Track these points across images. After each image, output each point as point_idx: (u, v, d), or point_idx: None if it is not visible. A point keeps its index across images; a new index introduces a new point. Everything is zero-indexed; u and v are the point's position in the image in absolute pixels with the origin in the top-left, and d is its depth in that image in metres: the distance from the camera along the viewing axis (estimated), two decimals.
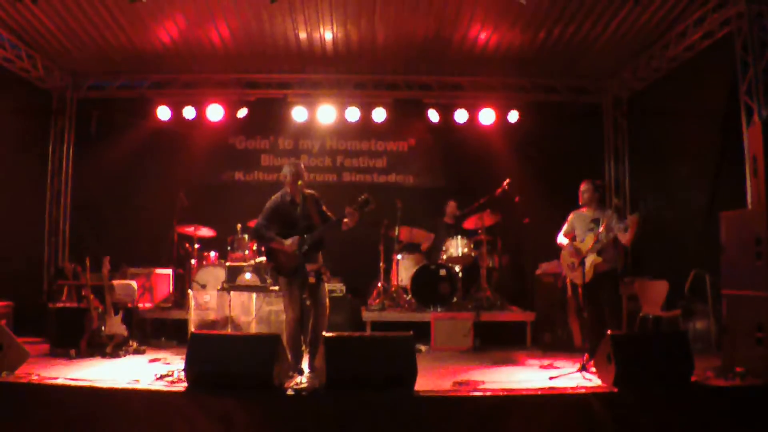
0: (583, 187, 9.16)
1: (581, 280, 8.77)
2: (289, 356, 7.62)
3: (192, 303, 10.93)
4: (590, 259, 8.74)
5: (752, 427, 6.78)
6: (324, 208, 8.36)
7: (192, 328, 10.64)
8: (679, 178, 11.77)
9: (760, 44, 9.24)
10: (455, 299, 11.53)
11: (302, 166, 8.35)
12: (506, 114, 13.62)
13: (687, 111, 11.44)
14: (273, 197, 8.38)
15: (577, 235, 9.07)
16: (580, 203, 9.20)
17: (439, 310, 11.26)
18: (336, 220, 8.07)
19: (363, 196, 7.99)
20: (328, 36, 11.69)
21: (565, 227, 9.34)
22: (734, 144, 9.58)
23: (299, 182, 8.12)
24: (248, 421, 6.40)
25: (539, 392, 6.95)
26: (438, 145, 14.28)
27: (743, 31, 9.43)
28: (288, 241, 8.00)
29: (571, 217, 9.32)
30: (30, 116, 12.93)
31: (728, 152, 10.11)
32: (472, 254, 11.91)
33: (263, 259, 10.58)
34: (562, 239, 9.32)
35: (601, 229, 8.75)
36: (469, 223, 12.20)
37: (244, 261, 11.28)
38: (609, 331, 7.33)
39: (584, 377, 7.75)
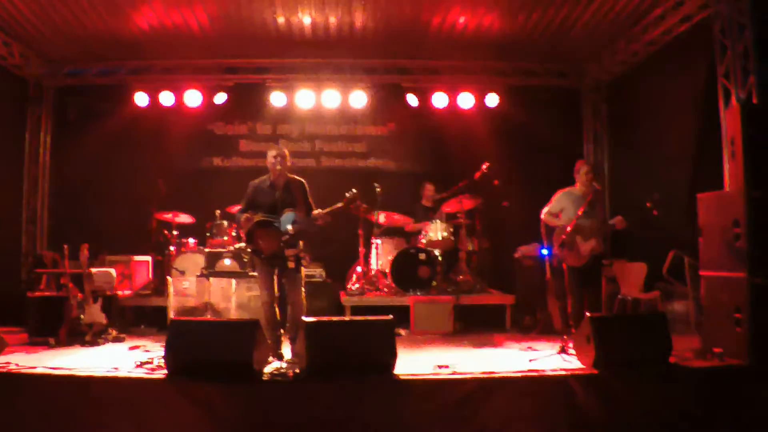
0: (584, 168, 9.18)
1: (577, 262, 8.89)
2: (268, 340, 7.62)
3: (171, 290, 10.90)
4: (590, 244, 8.86)
5: (731, 407, 6.85)
6: (309, 195, 8.37)
7: (171, 315, 10.61)
8: (658, 161, 11.80)
9: (737, 27, 9.25)
10: (435, 283, 11.53)
11: (286, 151, 8.36)
12: (485, 98, 13.65)
13: (666, 94, 11.50)
14: (252, 182, 8.41)
15: (567, 215, 9.08)
16: (578, 182, 9.22)
17: (418, 293, 11.28)
18: (312, 217, 8.11)
19: (351, 193, 8.12)
20: (307, 20, 11.64)
21: (551, 206, 9.33)
22: (713, 127, 9.62)
23: (279, 167, 8.14)
24: (229, 407, 6.40)
25: (519, 375, 6.99)
26: (417, 130, 14.23)
27: (721, 15, 9.45)
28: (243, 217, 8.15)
29: (559, 195, 9.32)
30: (6, 104, 12.83)
31: (707, 135, 10.15)
32: (452, 238, 11.92)
33: (242, 244, 10.57)
34: (552, 219, 9.31)
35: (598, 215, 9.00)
36: (449, 207, 12.20)
37: (223, 247, 11.26)
38: (588, 313, 7.37)
39: (564, 359, 7.80)
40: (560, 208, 9.23)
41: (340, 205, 8.18)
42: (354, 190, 8.22)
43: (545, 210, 9.37)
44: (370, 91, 13.61)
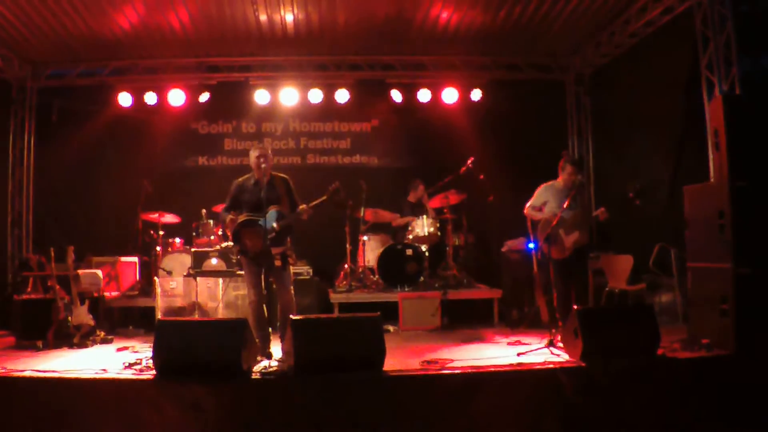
0: (568, 168, 9.13)
1: (561, 254, 8.93)
2: (256, 339, 7.61)
3: (158, 290, 10.87)
4: (573, 236, 8.89)
5: (718, 397, 6.88)
6: (294, 191, 8.39)
7: (159, 316, 10.58)
8: (643, 153, 11.85)
9: (720, 19, 9.29)
10: (422, 278, 11.56)
11: (269, 149, 8.40)
12: (469, 93, 13.63)
13: (649, 86, 11.53)
14: (235, 180, 8.42)
15: (550, 208, 9.13)
16: (561, 176, 9.23)
17: (406, 289, 11.30)
18: (297, 212, 8.14)
19: (333, 186, 8.19)
20: (289, 18, 11.60)
21: (533, 200, 9.37)
22: (696, 118, 9.65)
23: (263, 165, 8.15)
24: (217, 408, 6.39)
25: (508, 369, 7.02)
26: (401, 125, 14.25)
27: (703, 6, 9.47)
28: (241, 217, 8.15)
29: (541, 189, 9.35)
30: None
31: (690, 126, 10.19)
32: (438, 233, 11.93)
33: (229, 243, 10.57)
34: (534, 212, 9.36)
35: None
36: (435, 202, 12.25)
37: (210, 246, 11.25)
38: (575, 306, 7.40)
39: (552, 352, 7.82)
40: (542, 201, 9.27)
41: (323, 198, 8.26)
42: (336, 183, 8.28)
43: (528, 204, 9.41)
44: (354, 87, 13.58)
